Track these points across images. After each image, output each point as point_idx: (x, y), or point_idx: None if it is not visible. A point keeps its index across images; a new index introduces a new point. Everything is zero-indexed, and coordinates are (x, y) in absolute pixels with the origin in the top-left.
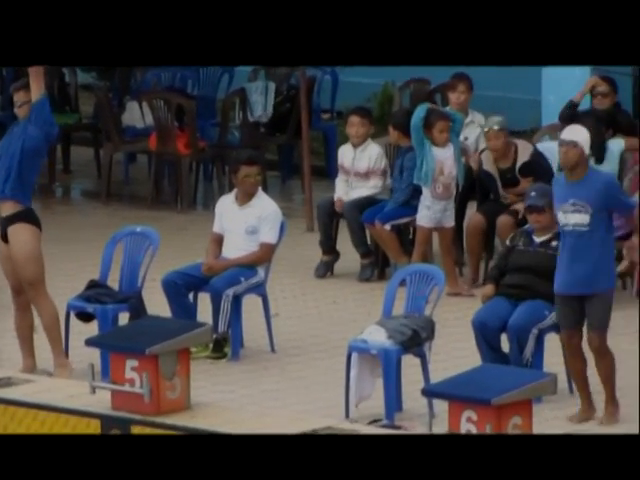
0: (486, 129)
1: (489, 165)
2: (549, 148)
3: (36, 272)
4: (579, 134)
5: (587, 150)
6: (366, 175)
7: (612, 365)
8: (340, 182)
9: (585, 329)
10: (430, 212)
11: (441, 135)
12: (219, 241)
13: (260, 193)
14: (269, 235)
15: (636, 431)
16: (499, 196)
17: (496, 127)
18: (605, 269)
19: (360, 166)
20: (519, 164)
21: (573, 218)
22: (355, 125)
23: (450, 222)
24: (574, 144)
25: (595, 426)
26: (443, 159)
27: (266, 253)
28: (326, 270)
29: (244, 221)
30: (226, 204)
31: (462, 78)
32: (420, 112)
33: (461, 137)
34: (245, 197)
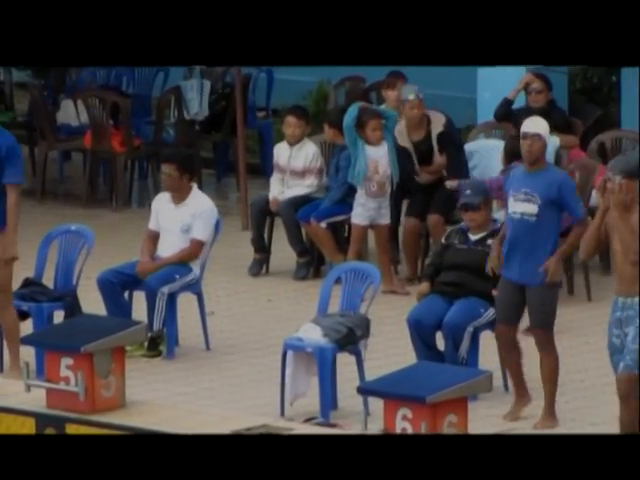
0: (403, 98)
1: (403, 139)
2: (484, 146)
3: (8, 276)
4: (541, 126)
5: (547, 141)
6: (302, 174)
7: (555, 366)
8: (275, 181)
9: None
10: (364, 210)
11: (374, 133)
12: (154, 238)
13: (195, 191)
14: (200, 232)
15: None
16: (416, 173)
17: (411, 97)
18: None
19: (296, 165)
20: (434, 135)
21: (522, 207)
22: (292, 126)
23: (385, 220)
24: (538, 136)
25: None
26: (377, 158)
27: (195, 249)
28: (259, 268)
29: (179, 220)
30: (163, 202)
31: (399, 76)
32: (352, 112)
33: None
34: (179, 195)
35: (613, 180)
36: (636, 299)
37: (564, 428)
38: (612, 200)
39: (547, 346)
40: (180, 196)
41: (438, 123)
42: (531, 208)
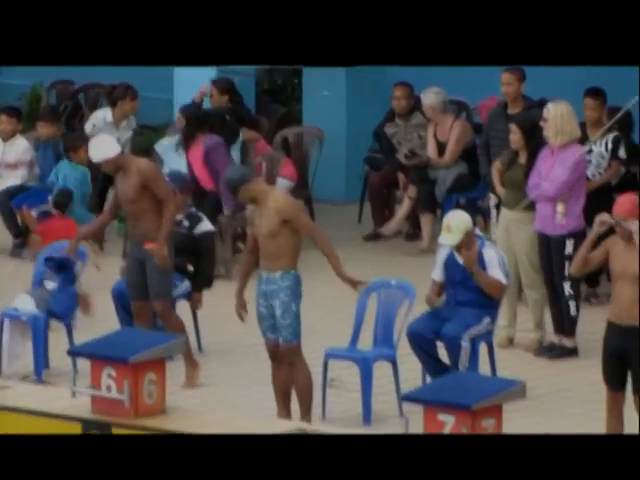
0: None
1: None
2: (167, 145)
3: None
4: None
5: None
6: (15, 166)
7: (181, 328)
8: None
9: None
10: None
11: None
12: None
13: None
14: None
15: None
16: None
17: None
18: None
19: (9, 158)
20: None
21: None
22: (3, 123)
23: None
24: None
25: None
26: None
27: None
28: None
29: None
30: None
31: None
32: None
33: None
34: None
35: None
36: (277, 274)
37: (250, 385)
38: None
39: (169, 316)
40: None
41: None
42: None
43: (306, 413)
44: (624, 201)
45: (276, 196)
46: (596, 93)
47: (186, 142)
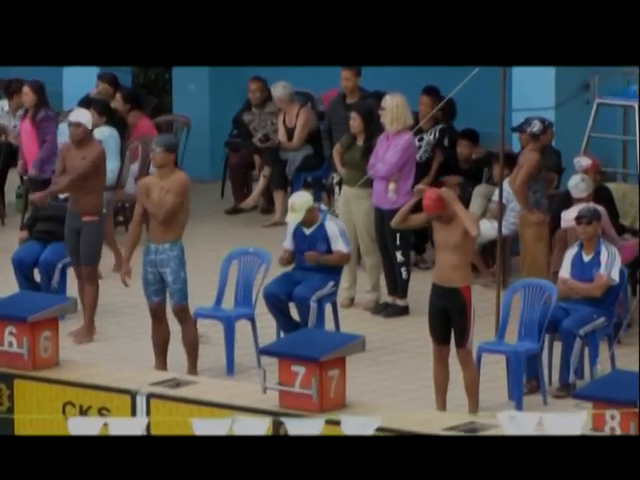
0: None
1: None
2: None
3: None
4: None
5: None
6: None
7: (95, 295)
8: None
9: None
10: None
11: None
12: None
13: None
14: None
15: None
16: None
17: None
18: None
19: None
20: None
21: None
22: None
23: None
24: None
25: None
26: None
27: None
28: None
29: None
30: None
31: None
32: None
33: None
34: None
35: (155, 151)
36: (167, 245)
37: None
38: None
39: (94, 280)
40: None
41: None
42: None
43: (193, 365)
44: (429, 203)
45: (181, 175)
46: (430, 91)
47: (34, 114)
